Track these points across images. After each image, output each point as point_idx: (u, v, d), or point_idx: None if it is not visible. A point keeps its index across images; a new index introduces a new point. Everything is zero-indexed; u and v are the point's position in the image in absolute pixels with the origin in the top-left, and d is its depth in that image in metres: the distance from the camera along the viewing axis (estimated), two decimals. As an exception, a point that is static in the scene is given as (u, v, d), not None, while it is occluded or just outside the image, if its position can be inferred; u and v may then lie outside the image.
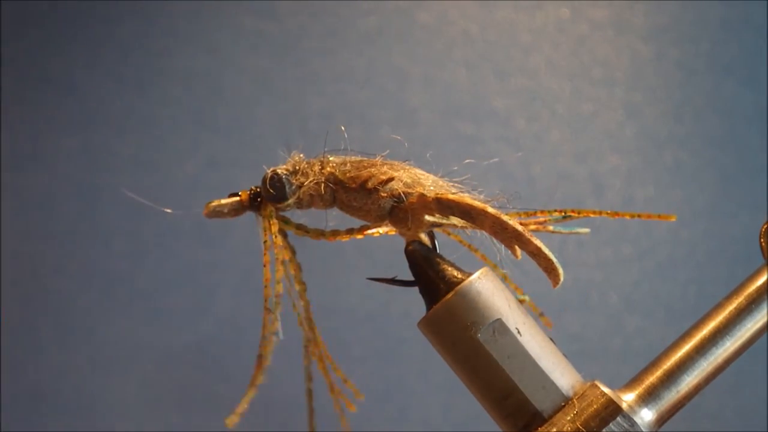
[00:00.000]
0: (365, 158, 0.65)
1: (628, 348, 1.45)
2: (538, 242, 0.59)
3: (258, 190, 0.66)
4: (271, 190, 0.65)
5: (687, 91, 1.51)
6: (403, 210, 0.64)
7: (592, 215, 0.64)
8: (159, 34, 1.42)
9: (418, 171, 0.65)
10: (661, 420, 0.59)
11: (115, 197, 1.39)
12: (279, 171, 0.66)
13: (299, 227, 0.67)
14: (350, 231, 0.67)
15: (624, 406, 0.57)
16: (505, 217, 0.60)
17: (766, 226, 0.64)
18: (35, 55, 1.40)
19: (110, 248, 1.39)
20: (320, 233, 0.67)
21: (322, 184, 0.65)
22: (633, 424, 0.57)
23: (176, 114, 1.42)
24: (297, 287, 0.67)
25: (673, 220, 0.66)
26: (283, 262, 0.65)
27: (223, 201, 0.66)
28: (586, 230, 0.66)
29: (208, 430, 1.40)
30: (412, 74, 1.46)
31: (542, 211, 0.65)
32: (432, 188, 0.63)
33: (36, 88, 1.40)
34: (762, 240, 0.64)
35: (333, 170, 0.65)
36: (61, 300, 1.38)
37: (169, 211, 0.70)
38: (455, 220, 0.64)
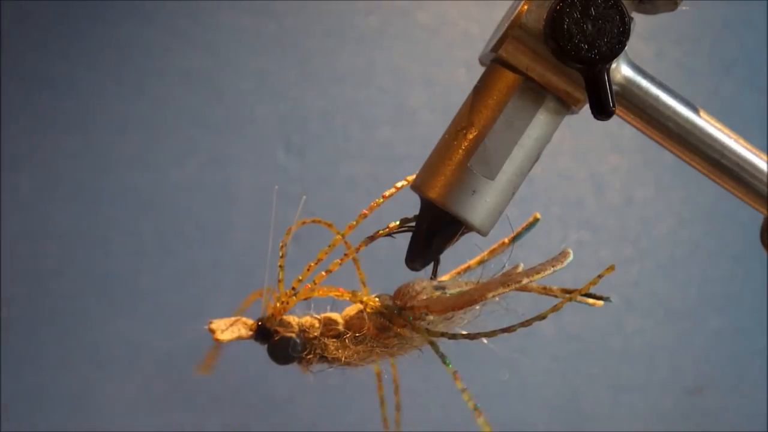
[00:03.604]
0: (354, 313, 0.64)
1: (628, 348, 1.45)
2: (530, 278, 0.59)
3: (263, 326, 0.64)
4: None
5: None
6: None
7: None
8: (159, 34, 1.42)
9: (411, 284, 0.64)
10: None
11: (115, 197, 1.39)
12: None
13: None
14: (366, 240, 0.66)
15: None
16: (499, 290, 0.59)
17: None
18: (35, 55, 1.40)
19: (110, 248, 1.39)
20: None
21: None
22: None
23: (176, 114, 1.42)
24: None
25: (600, 306, 0.63)
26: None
27: (232, 334, 0.65)
28: (600, 303, 0.63)
29: (207, 430, 1.40)
30: (412, 74, 1.46)
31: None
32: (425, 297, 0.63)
33: (36, 88, 1.40)
34: (763, 231, 0.64)
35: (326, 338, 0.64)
36: (61, 300, 1.38)
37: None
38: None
